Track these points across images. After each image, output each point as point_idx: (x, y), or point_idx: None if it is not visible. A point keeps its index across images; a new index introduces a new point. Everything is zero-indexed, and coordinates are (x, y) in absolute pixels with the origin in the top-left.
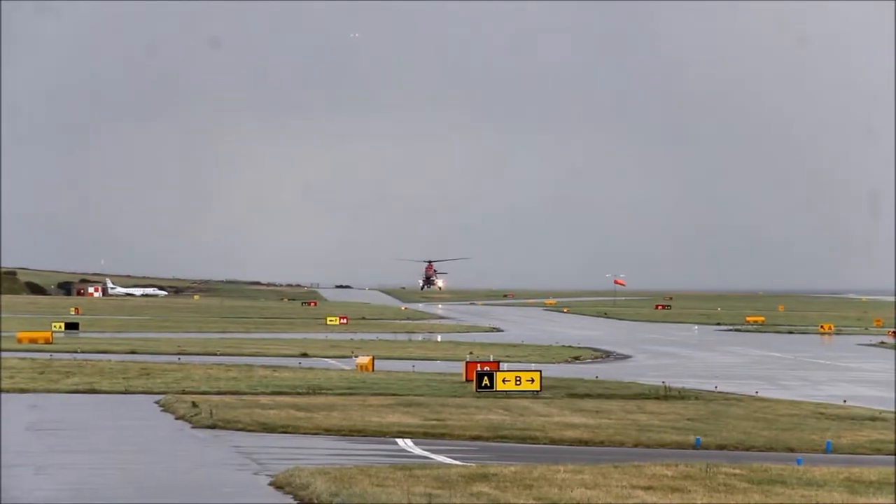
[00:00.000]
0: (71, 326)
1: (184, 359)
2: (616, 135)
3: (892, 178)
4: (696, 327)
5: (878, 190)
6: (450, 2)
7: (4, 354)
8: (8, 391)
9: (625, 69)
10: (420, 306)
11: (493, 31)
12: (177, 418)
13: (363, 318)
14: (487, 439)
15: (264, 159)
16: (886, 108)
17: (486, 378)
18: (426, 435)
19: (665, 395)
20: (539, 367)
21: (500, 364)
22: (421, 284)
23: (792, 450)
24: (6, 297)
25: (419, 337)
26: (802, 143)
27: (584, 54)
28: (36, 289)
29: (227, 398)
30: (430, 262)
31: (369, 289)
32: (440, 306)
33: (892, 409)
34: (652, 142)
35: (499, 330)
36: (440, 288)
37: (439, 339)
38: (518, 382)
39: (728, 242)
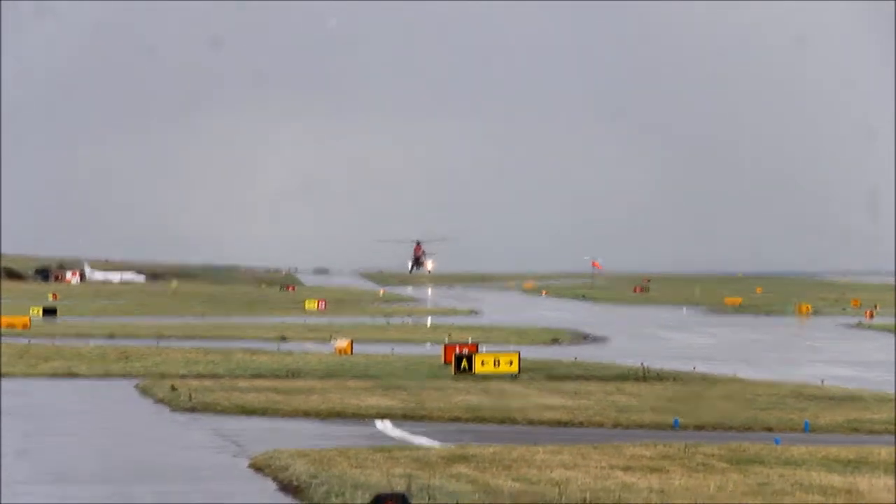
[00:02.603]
0: (49, 312)
1: (162, 343)
2: (600, 120)
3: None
4: (685, 309)
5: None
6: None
7: None
8: None
9: (620, 64)
10: (398, 290)
11: (478, 19)
12: (156, 402)
13: (341, 302)
14: (466, 421)
15: (242, 142)
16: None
17: (464, 360)
18: (405, 417)
19: (644, 376)
20: (518, 349)
21: (479, 346)
22: (409, 266)
23: (770, 430)
24: None
25: (398, 321)
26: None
27: (580, 49)
28: (13, 274)
29: (206, 382)
30: (418, 242)
31: (348, 273)
32: (421, 289)
33: (870, 389)
34: (635, 129)
35: (477, 313)
36: (430, 270)
37: (429, 322)
38: (497, 365)
39: (706, 225)
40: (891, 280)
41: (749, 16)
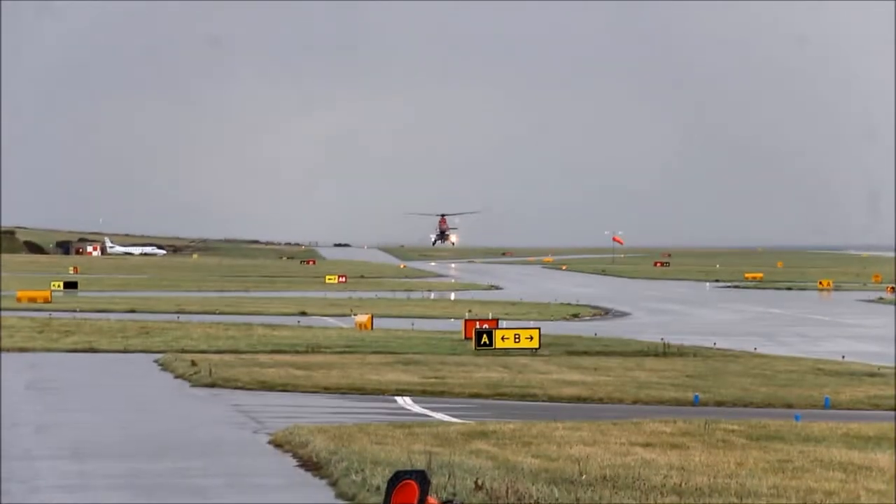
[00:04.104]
0: (70, 285)
1: (182, 318)
2: (624, 99)
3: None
4: (708, 285)
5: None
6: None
7: (4, 314)
8: (8, 350)
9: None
10: (418, 264)
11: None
12: (176, 377)
13: (362, 277)
14: (486, 397)
15: (263, 118)
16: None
17: (485, 336)
18: (425, 393)
19: (664, 352)
20: (538, 324)
21: (499, 322)
22: (433, 240)
23: (790, 406)
24: (5, 257)
25: (419, 295)
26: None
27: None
28: (34, 248)
29: (226, 357)
30: (443, 215)
31: (368, 247)
32: (441, 263)
33: (892, 365)
34: (659, 109)
35: (498, 288)
36: (453, 243)
37: (452, 297)
38: (517, 340)
39: (726, 200)
40: None
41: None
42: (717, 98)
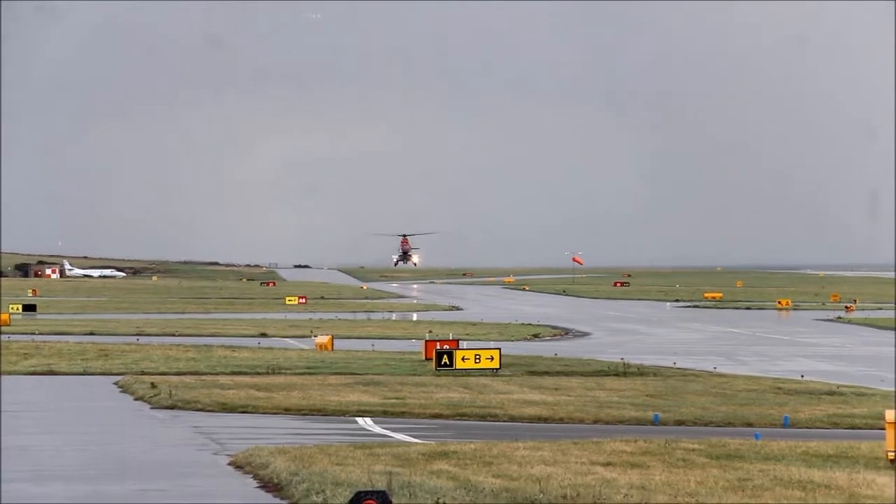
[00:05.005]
0: (28, 308)
1: (142, 340)
2: (582, 121)
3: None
4: (668, 304)
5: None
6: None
7: None
8: None
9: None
10: (379, 285)
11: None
12: (136, 399)
13: (322, 298)
14: (447, 417)
15: (222, 140)
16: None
17: (445, 356)
18: (386, 413)
19: (624, 371)
20: (498, 345)
21: (460, 342)
22: (395, 260)
23: (750, 425)
24: None
25: (380, 316)
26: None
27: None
28: None
29: (187, 378)
30: (405, 235)
31: (328, 268)
32: (402, 284)
33: (849, 384)
34: (618, 129)
35: (458, 308)
36: (415, 264)
37: (415, 317)
38: (477, 360)
39: (685, 221)
40: (869, 274)
41: (743, 16)
42: (676, 120)
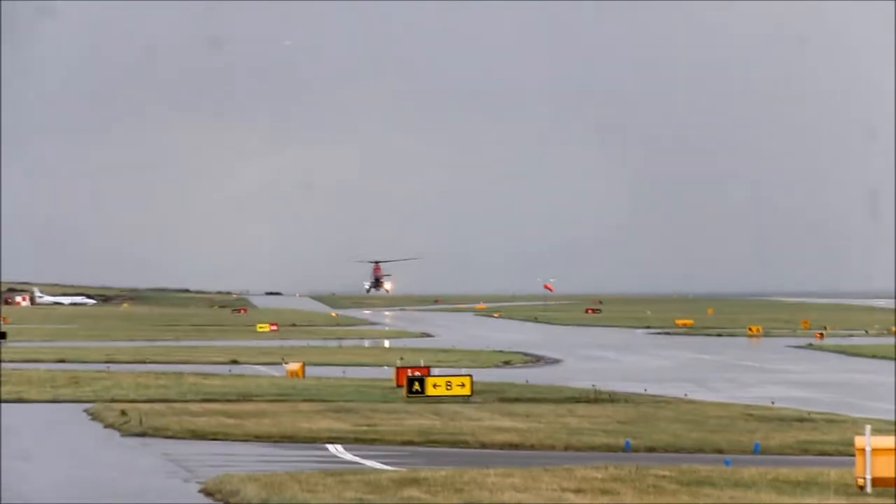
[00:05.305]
0: None
1: (113, 367)
2: (553, 145)
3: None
4: (640, 331)
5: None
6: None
7: None
8: None
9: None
10: (350, 312)
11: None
12: (106, 426)
13: (294, 325)
14: (418, 444)
15: (192, 164)
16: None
17: (416, 383)
18: (357, 440)
19: (595, 398)
20: (470, 371)
21: (431, 369)
22: (367, 287)
23: (721, 451)
24: None
25: (350, 343)
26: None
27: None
28: None
29: (157, 406)
30: (377, 262)
31: (300, 295)
32: (373, 311)
33: (820, 411)
34: (587, 153)
35: (430, 335)
36: (388, 290)
37: (387, 344)
38: (449, 387)
39: (657, 248)
40: (838, 301)
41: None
42: (648, 146)
